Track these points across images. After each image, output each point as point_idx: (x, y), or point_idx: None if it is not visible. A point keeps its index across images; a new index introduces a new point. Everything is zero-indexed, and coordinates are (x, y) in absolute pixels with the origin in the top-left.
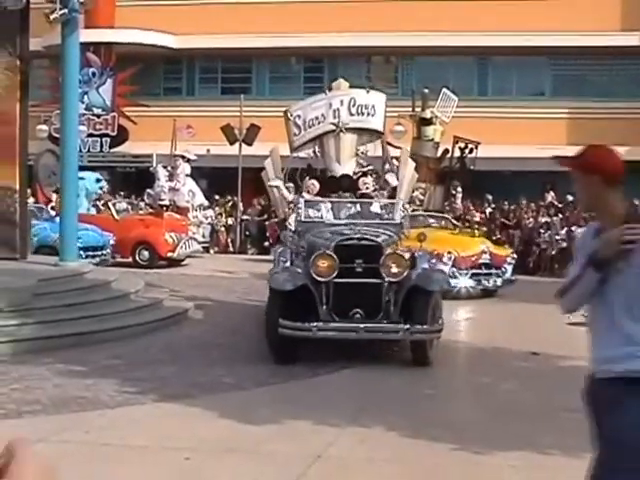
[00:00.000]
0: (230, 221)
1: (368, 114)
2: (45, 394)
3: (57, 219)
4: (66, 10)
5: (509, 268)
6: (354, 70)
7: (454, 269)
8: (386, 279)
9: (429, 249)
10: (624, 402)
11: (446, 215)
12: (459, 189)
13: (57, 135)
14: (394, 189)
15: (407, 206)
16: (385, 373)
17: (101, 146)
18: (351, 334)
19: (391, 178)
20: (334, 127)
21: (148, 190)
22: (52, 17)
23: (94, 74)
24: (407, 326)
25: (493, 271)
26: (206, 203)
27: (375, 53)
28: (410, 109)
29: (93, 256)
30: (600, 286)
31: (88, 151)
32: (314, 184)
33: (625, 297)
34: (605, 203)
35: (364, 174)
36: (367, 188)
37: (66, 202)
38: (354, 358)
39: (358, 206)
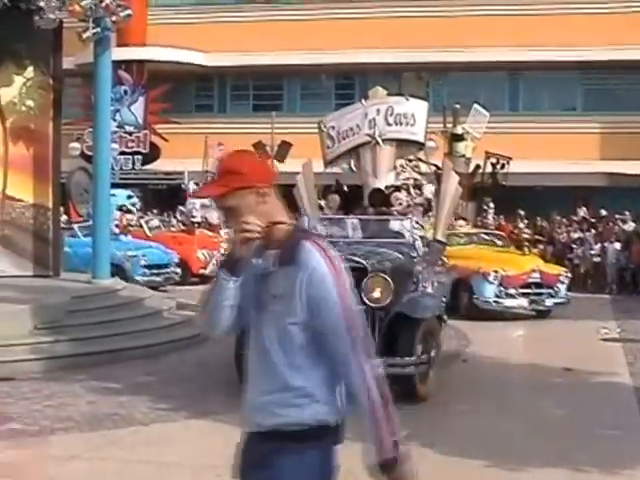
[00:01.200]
0: None
1: (407, 124)
2: (78, 411)
3: (121, 237)
4: (98, 29)
5: (562, 287)
6: (385, 86)
7: (501, 288)
8: (370, 305)
9: (475, 268)
10: (275, 464)
11: (498, 232)
12: (491, 205)
13: (89, 153)
14: (429, 202)
15: (451, 222)
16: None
17: (133, 163)
18: None
19: (427, 190)
20: (370, 138)
21: (180, 207)
22: (85, 36)
23: (126, 92)
24: (383, 358)
25: (544, 291)
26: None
27: (406, 69)
28: (441, 125)
29: (158, 274)
30: (253, 309)
31: (120, 169)
32: (334, 199)
33: (275, 320)
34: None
35: (397, 189)
36: (400, 204)
37: (98, 219)
38: None
39: (373, 223)
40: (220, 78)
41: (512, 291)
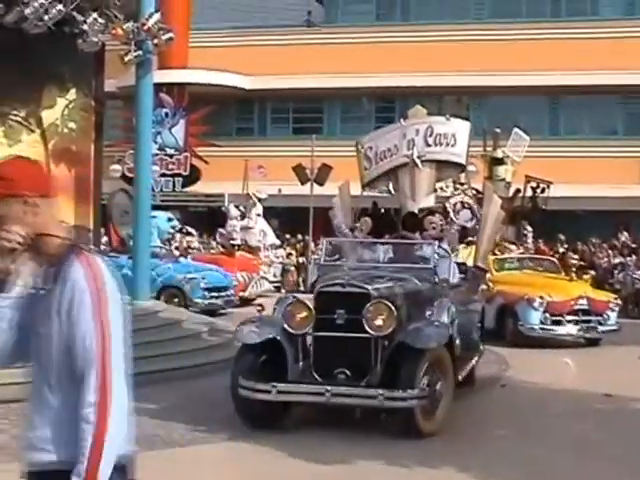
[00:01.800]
0: (301, 260)
1: (447, 144)
2: None
3: (181, 260)
4: (140, 52)
5: (612, 315)
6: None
7: (546, 315)
8: (371, 333)
9: (521, 293)
10: None
11: (549, 258)
12: (529, 228)
13: (130, 175)
14: (464, 229)
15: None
16: (453, 410)
17: (173, 185)
18: (318, 398)
19: (463, 217)
20: (408, 160)
21: (220, 229)
22: (127, 59)
23: (167, 114)
24: (382, 391)
25: (593, 318)
26: (277, 242)
27: (446, 93)
28: (481, 149)
29: (217, 297)
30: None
31: (161, 190)
32: (366, 222)
33: (46, 345)
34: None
35: (431, 212)
36: (433, 228)
37: (139, 241)
38: None
39: (400, 248)
40: (260, 101)
41: (558, 318)
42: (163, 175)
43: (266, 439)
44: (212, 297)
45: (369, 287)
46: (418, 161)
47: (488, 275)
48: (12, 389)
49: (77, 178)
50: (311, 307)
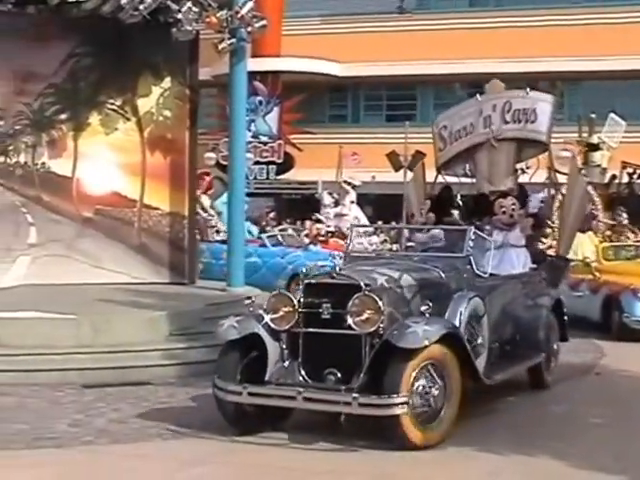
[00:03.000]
0: (395, 247)
1: (527, 120)
2: (205, 417)
3: (311, 247)
4: (234, 40)
5: None
6: None
7: None
8: (356, 330)
9: (626, 283)
10: None
11: None
12: (624, 215)
13: (225, 162)
14: (535, 216)
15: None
16: (544, 404)
17: (267, 173)
18: (290, 402)
19: (535, 201)
20: (484, 138)
21: (313, 216)
22: (221, 47)
23: (261, 102)
24: (356, 396)
25: None
26: (371, 229)
27: (540, 78)
28: (577, 134)
29: None
30: None
31: (255, 178)
32: (427, 204)
33: None
34: None
35: (504, 195)
36: (503, 212)
37: (233, 229)
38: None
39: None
40: (354, 88)
41: None
42: (257, 163)
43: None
44: None
45: (359, 278)
46: (494, 140)
47: (595, 264)
48: (107, 373)
49: (172, 166)
50: (295, 301)
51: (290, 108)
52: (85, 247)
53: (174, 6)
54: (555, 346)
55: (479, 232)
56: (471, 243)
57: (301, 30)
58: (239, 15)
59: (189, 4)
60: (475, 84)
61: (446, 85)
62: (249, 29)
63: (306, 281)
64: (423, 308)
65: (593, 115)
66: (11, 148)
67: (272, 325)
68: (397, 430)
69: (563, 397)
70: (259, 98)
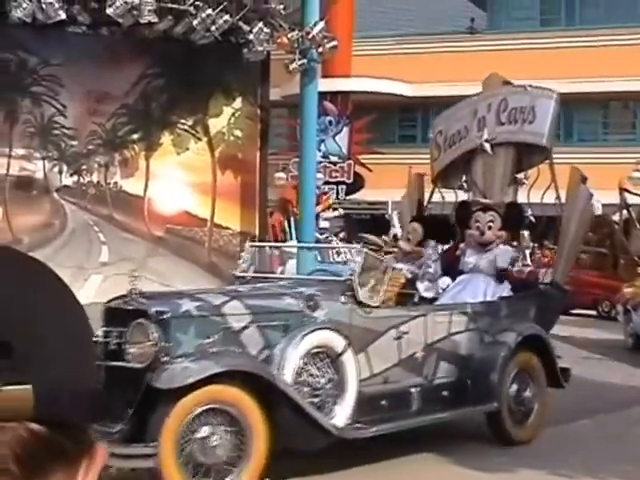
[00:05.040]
0: None
1: (524, 121)
2: None
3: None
4: (305, 60)
5: None
6: (589, 116)
7: None
8: (133, 364)
9: None
10: None
11: None
12: None
13: (294, 183)
14: (512, 227)
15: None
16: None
17: (337, 193)
18: None
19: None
20: (474, 143)
21: (383, 237)
22: (291, 67)
23: (331, 122)
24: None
25: None
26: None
27: (612, 99)
28: None
29: None
30: None
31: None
32: (416, 229)
33: None
34: None
35: (484, 209)
36: (477, 228)
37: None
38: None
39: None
40: (424, 108)
41: None
42: (327, 183)
43: None
44: None
45: (151, 303)
46: (487, 145)
47: None
48: None
49: (243, 185)
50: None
51: (360, 128)
52: (156, 266)
53: (245, 27)
54: (533, 393)
55: (371, 253)
56: (356, 266)
57: (371, 50)
58: (310, 36)
59: (260, 25)
60: None
61: None
62: (320, 50)
63: (105, 305)
64: (206, 342)
65: None
66: (84, 168)
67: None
68: None
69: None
70: (329, 118)
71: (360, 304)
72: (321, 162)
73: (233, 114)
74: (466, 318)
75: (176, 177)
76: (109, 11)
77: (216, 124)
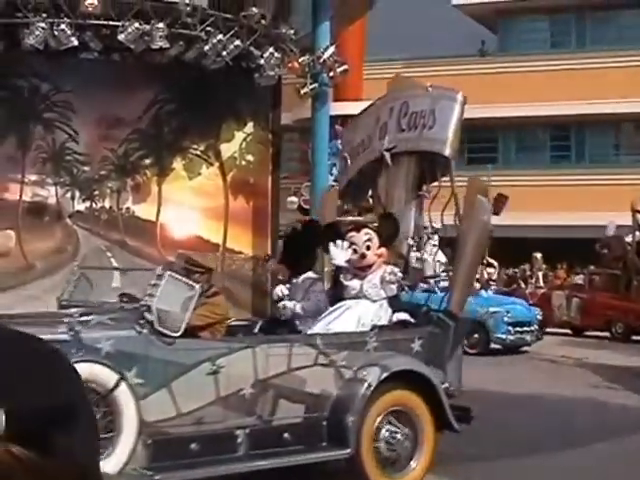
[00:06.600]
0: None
1: (424, 126)
2: None
3: (482, 292)
4: (316, 84)
5: None
6: (601, 138)
7: None
8: None
9: None
10: None
11: None
12: None
13: (307, 207)
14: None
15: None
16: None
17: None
18: None
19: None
20: (378, 154)
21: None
22: (303, 92)
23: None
24: None
25: None
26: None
27: (624, 120)
28: None
29: (522, 332)
30: None
31: None
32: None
33: None
34: None
35: (358, 227)
36: (355, 251)
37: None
38: None
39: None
40: None
41: None
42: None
43: None
44: (517, 332)
45: None
46: (387, 155)
47: None
48: None
49: (255, 210)
50: None
51: None
52: None
53: (256, 52)
54: (412, 436)
55: (176, 276)
56: (155, 290)
57: (382, 74)
58: (321, 60)
59: (271, 50)
60: (559, 126)
61: (528, 127)
62: (331, 74)
63: None
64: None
65: None
66: (96, 193)
67: None
68: None
69: None
70: (340, 142)
71: (159, 334)
72: (333, 186)
73: (245, 139)
74: (315, 351)
75: (188, 202)
76: (121, 37)
77: (228, 149)
